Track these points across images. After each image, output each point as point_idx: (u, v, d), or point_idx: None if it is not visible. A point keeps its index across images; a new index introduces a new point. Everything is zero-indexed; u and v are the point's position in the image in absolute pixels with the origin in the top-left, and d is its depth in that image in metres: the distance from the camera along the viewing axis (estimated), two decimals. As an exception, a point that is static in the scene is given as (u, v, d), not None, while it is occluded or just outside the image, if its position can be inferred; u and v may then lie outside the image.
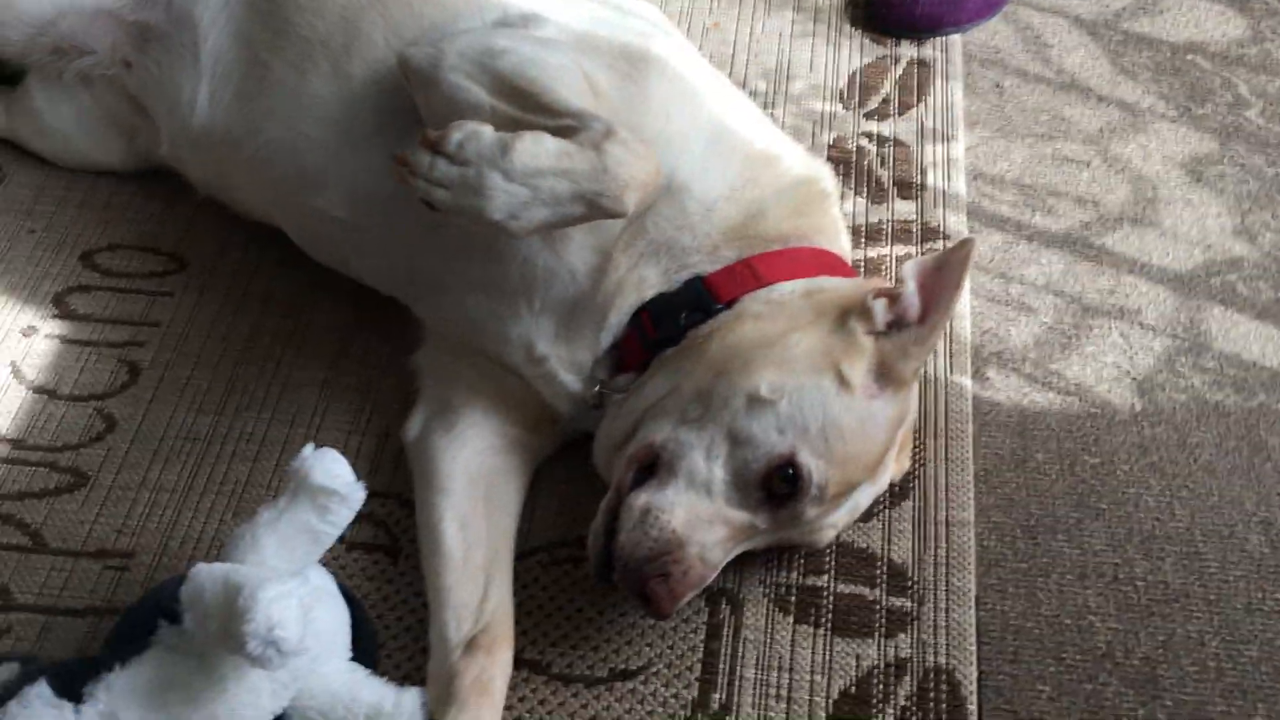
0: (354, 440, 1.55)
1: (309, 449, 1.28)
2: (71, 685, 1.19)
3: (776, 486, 1.28)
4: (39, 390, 1.60)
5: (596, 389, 1.41)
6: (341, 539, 1.42)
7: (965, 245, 1.31)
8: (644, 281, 1.39)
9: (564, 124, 1.30)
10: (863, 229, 1.78)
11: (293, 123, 1.51)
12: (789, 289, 1.38)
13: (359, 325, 1.66)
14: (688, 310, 1.37)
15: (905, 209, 1.81)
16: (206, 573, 1.19)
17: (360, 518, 1.44)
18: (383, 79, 1.48)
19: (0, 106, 1.84)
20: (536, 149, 1.25)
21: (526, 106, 1.33)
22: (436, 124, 1.31)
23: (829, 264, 1.43)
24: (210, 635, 1.17)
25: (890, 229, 1.79)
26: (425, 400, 1.52)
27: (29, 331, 1.66)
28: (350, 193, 1.49)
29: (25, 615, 1.40)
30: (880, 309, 1.33)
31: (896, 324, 1.33)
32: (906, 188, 1.84)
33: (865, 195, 1.83)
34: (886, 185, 1.84)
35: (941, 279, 1.31)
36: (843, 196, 1.80)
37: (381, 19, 1.50)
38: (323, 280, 1.67)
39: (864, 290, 1.36)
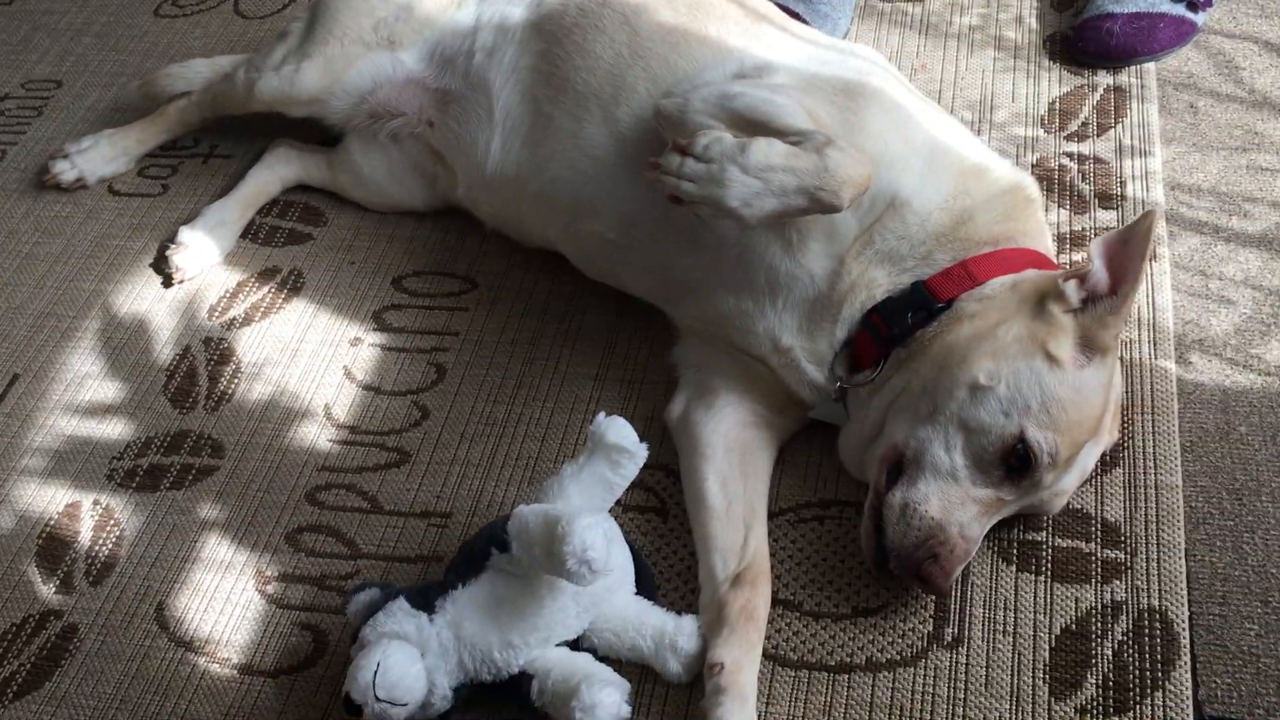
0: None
1: (602, 415, 1.56)
2: (425, 600, 1.49)
3: (1013, 462, 1.48)
4: (366, 388, 1.95)
5: (838, 385, 1.64)
6: (620, 502, 1.70)
7: (1147, 217, 1.48)
8: (873, 283, 1.62)
9: (791, 140, 1.55)
10: (1068, 237, 1.97)
11: (572, 162, 1.82)
12: (997, 284, 1.58)
13: (623, 328, 1.95)
14: (912, 310, 1.59)
15: (1107, 218, 1.98)
16: (529, 511, 1.48)
17: (634, 485, 1.72)
18: (645, 122, 1.77)
19: (325, 163, 2.23)
20: (769, 149, 1.50)
21: (758, 134, 1.57)
22: None
23: (1034, 260, 1.63)
24: (534, 559, 1.45)
25: (1093, 236, 1.96)
26: (685, 385, 1.78)
27: (355, 342, 2.02)
28: (620, 217, 1.78)
29: (370, 562, 1.72)
30: (1072, 289, 1.52)
31: (1091, 299, 1.52)
32: (1107, 199, 2.01)
33: (1069, 208, 2.01)
34: (1088, 197, 2.02)
35: (1127, 251, 1.50)
36: (1047, 209, 2.00)
37: (643, 72, 1.80)
38: (591, 293, 1.98)
39: (1057, 274, 1.55)
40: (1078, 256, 1.94)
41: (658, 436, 1.80)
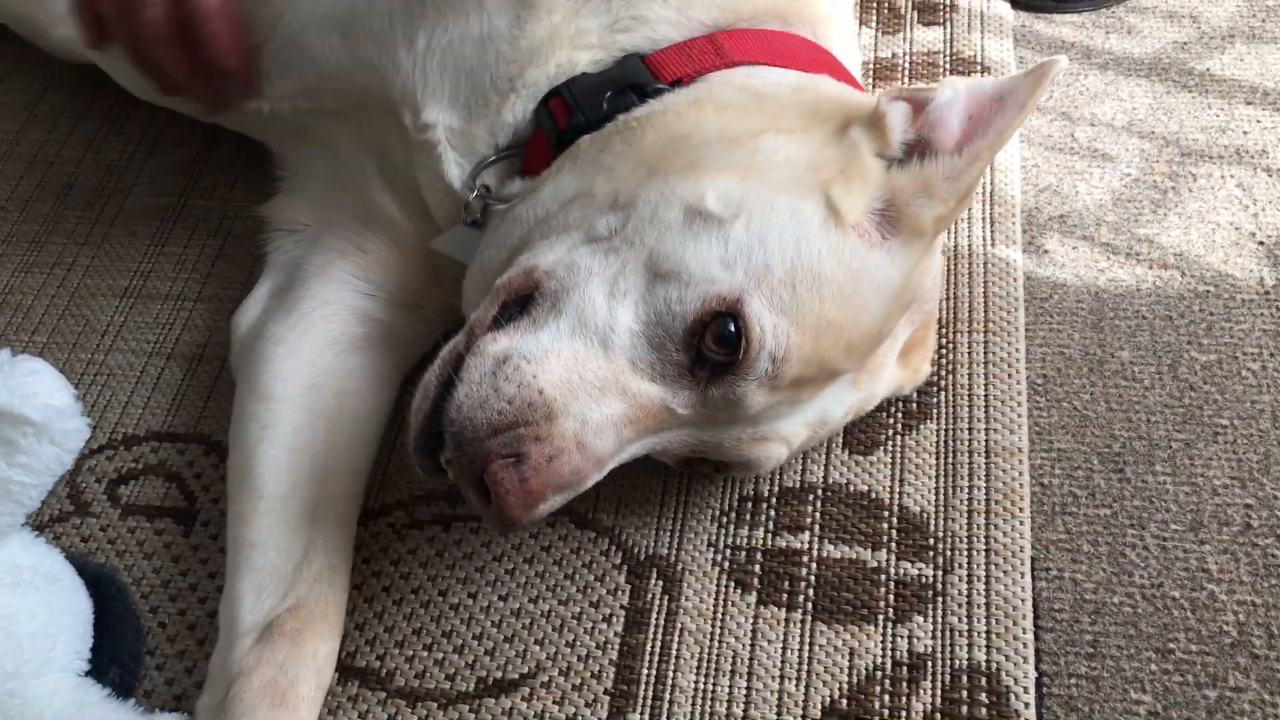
0: (154, 365, 1.13)
1: (2, 356, 0.86)
2: None
3: (708, 347, 0.81)
4: None
5: (476, 195, 0.97)
6: (122, 501, 1.01)
7: (1048, 66, 0.86)
8: (580, 38, 0.96)
9: None
10: (870, 66, 1.31)
11: None
12: (774, 78, 0.94)
13: (194, 192, 1.24)
14: (614, 91, 0.94)
15: (929, 38, 1.33)
16: None
17: (146, 470, 1.05)
18: None
19: None
20: None
21: None
22: None
23: (827, 64, 0.99)
24: None
25: (908, 65, 1.31)
26: (270, 272, 1.10)
27: None
28: None
29: None
30: (899, 116, 0.87)
31: (921, 148, 0.87)
32: (930, 11, 1.36)
33: (875, 24, 1.35)
34: (903, 10, 1.36)
35: (999, 106, 0.86)
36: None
37: None
38: (153, 149, 1.27)
39: (880, 94, 0.91)
40: (884, 94, 1.28)
41: (205, 389, 1.11)
